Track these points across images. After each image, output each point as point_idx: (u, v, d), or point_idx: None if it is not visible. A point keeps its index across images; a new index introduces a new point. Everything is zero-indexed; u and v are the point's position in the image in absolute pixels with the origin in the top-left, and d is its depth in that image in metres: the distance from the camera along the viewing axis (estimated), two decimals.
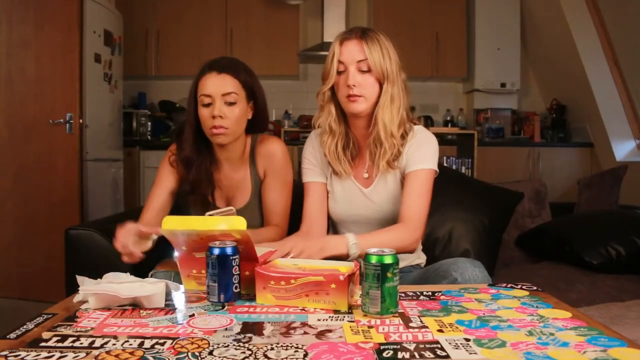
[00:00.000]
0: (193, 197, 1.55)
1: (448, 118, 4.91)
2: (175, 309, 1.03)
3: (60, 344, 0.83)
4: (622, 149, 4.05)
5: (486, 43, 4.61)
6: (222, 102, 1.46)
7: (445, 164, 3.45)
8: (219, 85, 1.47)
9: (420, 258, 1.61)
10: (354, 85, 1.39)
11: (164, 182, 1.57)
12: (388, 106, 1.41)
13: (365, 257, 0.99)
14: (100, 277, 1.09)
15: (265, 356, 0.78)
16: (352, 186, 1.52)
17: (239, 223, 1.07)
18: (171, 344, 0.83)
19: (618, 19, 3.87)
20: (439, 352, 0.80)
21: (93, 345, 0.82)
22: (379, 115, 1.42)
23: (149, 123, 4.45)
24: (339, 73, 1.42)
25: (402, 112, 1.44)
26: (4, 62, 3.13)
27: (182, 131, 1.57)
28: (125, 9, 4.01)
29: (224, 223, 1.08)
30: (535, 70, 4.96)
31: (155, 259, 1.48)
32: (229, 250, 1.03)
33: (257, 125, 1.59)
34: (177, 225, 1.09)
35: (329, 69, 1.43)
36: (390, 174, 1.48)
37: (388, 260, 0.97)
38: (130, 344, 0.83)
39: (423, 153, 1.45)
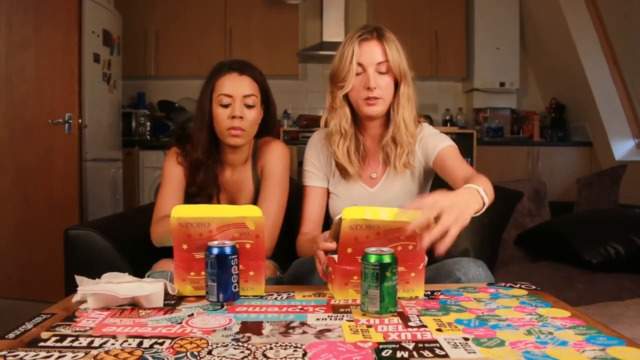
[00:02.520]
0: (199, 199, 1.54)
1: (447, 117, 4.91)
2: (174, 308, 1.03)
3: (59, 344, 0.83)
4: (621, 148, 4.05)
5: (485, 42, 4.60)
6: (241, 103, 1.46)
7: None
8: (240, 87, 1.46)
9: None
10: (374, 88, 1.35)
11: (176, 178, 1.53)
12: (407, 106, 1.40)
13: (363, 256, 0.99)
14: (99, 277, 1.09)
15: (265, 356, 0.78)
16: (357, 187, 1.51)
17: (255, 210, 1.08)
18: (170, 343, 0.83)
19: (617, 18, 3.87)
20: (437, 351, 0.80)
21: (92, 345, 0.82)
22: (399, 116, 1.40)
23: (148, 123, 4.44)
24: (356, 74, 1.37)
25: (415, 109, 1.44)
26: (3, 63, 3.13)
27: (185, 134, 1.55)
28: (125, 9, 4.00)
29: (240, 210, 1.09)
30: (535, 70, 4.96)
31: (153, 259, 1.48)
32: (227, 250, 1.03)
33: (265, 130, 1.59)
34: (190, 213, 1.07)
35: (346, 71, 1.37)
36: (399, 172, 1.47)
37: (387, 259, 0.97)
38: (129, 344, 0.83)
39: (436, 138, 1.46)
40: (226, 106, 1.46)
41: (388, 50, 1.36)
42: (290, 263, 1.41)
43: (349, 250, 1.06)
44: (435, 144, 1.44)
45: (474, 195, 1.08)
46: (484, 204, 1.10)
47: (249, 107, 1.47)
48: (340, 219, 1.10)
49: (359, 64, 1.36)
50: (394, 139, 1.43)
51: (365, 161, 1.51)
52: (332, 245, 1.13)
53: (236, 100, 1.45)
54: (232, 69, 1.48)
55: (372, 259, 0.97)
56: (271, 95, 1.56)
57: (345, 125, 1.45)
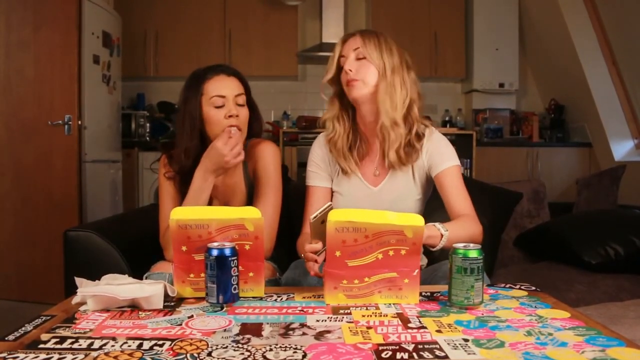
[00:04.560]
0: None
1: (447, 118, 4.91)
2: (174, 310, 1.03)
3: (58, 346, 0.83)
4: (620, 149, 4.05)
5: (484, 43, 4.61)
6: (234, 102, 1.46)
7: None
8: (232, 87, 1.47)
9: (422, 260, 1.60)
10: (350, 70, 1.42)
11: (171, 191, 1.53)
12: (387, 92, 1.43)
13: (464, 253, 1.02)
14: (99, 279, 1.09)
15: (264, 357, 0.78)
16: (360, 185, 1.51)
17: (254, 212, 1.08)
18: (170, 345, 0.83)
19: (616, 19, 3.87)
20: (437, 352, 0.80)
21: (92, 347, 0.82)
22: (379, 101, 1.43)
23: (148, 124, 4.44)
24: (341, 67, 1.46)
25: (407, 104, 1.44)
26: (3, 64, 3.13)
27: (173, 142, 1.53)
28: (124, 10, 4.00)
29: (239, 211, 1.09)
30: (534, 71, 4.96)
31: (153, 260, 1.48)
32: (227, 252, 1.03)
33: (253, 131, 1.58)
34: (189, 215, 1.07)
35: (330, 63, 1.49)
36: (402, 172, 1.49)
37: (481, 253, 1.03)
38: (129, 346, 0.83)
39: (445, 151, 1.48)
40: (220, 107, 1.46)
41: (362, 40, 1.44)
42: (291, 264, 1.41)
43: (338, 253, 1.05)
44: (442, 159, 1.46)
45: (433, 234, 1.22)
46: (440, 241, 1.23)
47: (241, 105, 1.49)
48: (314, 218, 1.11)
49: (342, 56, 1.46)
50: (381, 127, 1.45)
51: (366, 158, 1.53)
52: (317, 245, 1.14)
53: (229, 100, 1.46)
54: (218, 71, 1.49)
55: (475, 253, 1.02)
56: (252, 98, 1.57)
57: (337, 118, 1.51)
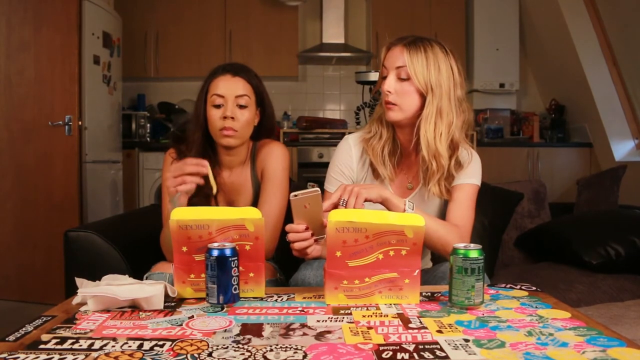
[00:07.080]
0: (196, 199, 1.53)
1: None
2: (174, 310, 1.03)
3: (59, 346, 0.83)
4: (621, 149, 4.05)
5: (485, 43, 4.61)
6: (234, 104, 1.46)
7: None
8: (232, 87, 1.47)
9: (428, 264, 1.59)
10: (388, 92, 1.33)
11: None
12: (431, 120, 1.31)
13: (465, 253, 1.02)
14: (100, 279, 1.09)
15: (265, 357, 0.78)
16: None
17: (254, 212, 1.08)
18: (170, 345, 0.83)
19: (616, 19, 3.87)
20: (438, 352, 0.80)
21: (92, 347, 0.82)
22: (421, 129, 1.32)
23: (148, 125, 4.44)
24: (383, 78, 1.36)
25: (453, 132, 1.33)
26: (3, 64, 3.13)
27: (182, 135, 1.55)
28: (124, 10, 4.00)
29: (239, 212, 1.09)
30: (534, 71, 4.96)
31: (153, 261, 1.48)
32: (227, 252, 1.03)
33: (263, 133, 1.58)
34: (189, 215, 1.07)
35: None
36: (433, 193, 1.38)
37: (482, 254, 1.02)
38: (130, 346, 0.83)
39: (469, 169, 1.39)
40: (219, 107, 1.46)
41: (408, 57, 1.31)
42: (292, 265, 1.41)
43: (338, 253, 1.05)
44: (463, 175, 1.38)
45: (397, 205, 1.24)
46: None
47: (242, 107, 1.47)
48: (296, 197, 1.09)
49: (384, 67, 1.36)
50: (422, 156, 1.35)
51: (402, 166, 1.45)
52: (299, 226, 1.12)
53: (228, 101, 1.46)
54: (226, 70, 1.50)
55: (475, 254, 1.01)
56: (268, 98, 1.56)
57: (380, 126, 1.42)
